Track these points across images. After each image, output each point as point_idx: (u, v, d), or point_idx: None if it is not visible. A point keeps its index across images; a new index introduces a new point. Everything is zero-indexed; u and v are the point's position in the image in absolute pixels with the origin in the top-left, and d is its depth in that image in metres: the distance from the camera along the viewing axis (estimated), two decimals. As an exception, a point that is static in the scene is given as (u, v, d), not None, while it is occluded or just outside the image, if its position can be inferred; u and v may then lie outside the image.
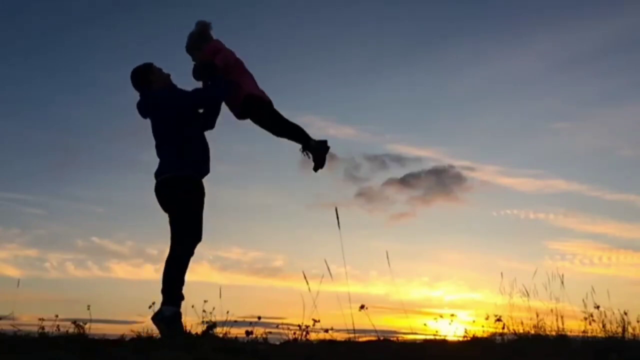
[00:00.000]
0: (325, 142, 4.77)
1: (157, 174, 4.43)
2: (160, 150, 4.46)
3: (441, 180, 14.08)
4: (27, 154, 15.49)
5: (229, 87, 4.57)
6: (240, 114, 4.74)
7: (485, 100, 15.40)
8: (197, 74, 4.61)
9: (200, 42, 4.70)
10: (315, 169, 4.76)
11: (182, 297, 4.20)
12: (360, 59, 15.05)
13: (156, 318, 4.12)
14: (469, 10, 14.21)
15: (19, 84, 15.07)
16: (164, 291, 4.18)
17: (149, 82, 4.50)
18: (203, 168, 4.46)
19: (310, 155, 4.75)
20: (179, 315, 4.15)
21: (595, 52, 13.99)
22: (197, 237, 4.31)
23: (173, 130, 4.39)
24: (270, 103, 4.74)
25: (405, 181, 13.71)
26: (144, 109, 4.53)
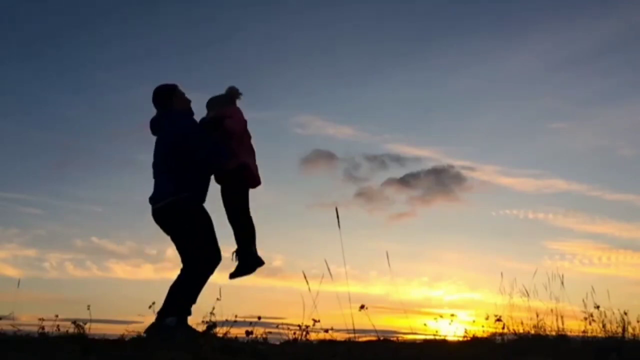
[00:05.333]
0: (262, 262, 4.55)
1: (153, 200, 4.35)
2: (157, 171, 4.42)
3: (441, 180, 14.09)
4: (27, 154, 15.50)
5: (226, 152, 4.43)
6: (221, 178, 4.59)
7: (484, 100, 15.42)
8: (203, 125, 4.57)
9: (223, 105, 4.69)
10: (233, 275, 4.52)
11: (189, 313, 4.20)
12: (359, 59, 15.06)
13: (156, 330, 4.05)
14: (468, 10, 14.22)
15: (19, 84, 15.08)
16: (170, 304, 4.12)
17: (169, 103, 4.50)
18: (199, 194, 4.38)
19: (237, 261, 4.52)
20: (183, 322, 4.13)
21: (595, 52, 14.02)
22: (214, 260, 4.27)
23: (175, 154, 4.31)
24: (258, 183, 4.63)
25: (405, 181, 13.74)
26: (155, 127, 4.53)
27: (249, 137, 4.71)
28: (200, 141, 4.33)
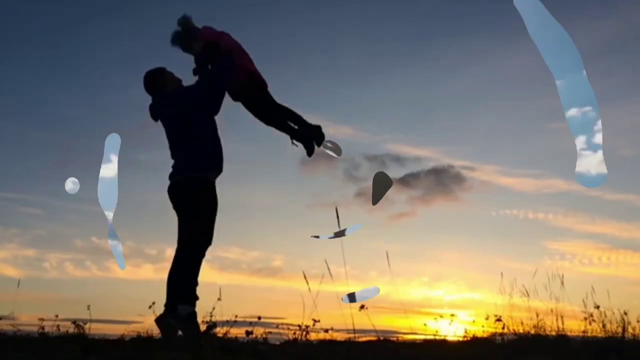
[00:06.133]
0: (319, 125, 4.87)
1: (171, 176, 4.41)
2: (173, 151, 4.46)
3: (441, 180, 14.06)
4: (27, 154, 15.46)
5: (235, 67, 4.57)
6: (236, 94, 4.76)
7: (484, 100, 15.36)
8: (200, 60, 4.64)
9: (191, 37, 4.69)
10: (310, 153, 4.80)
11: (197, 297, 4.19)
12: (359, 59, 15.01)
13: (168, 318, 4.04)
14: (468, 10, 14.20)
15: (19, 84, 15.06)
16: (175, 291, 4.12)
17: (161, 85, 4.54)
18: (216, 168, 4.44)
19: (299, 144, 4.81)
20: (195, 314, 4.13)
21: (595, 52, 13.96)
22: (207, 241, 4.28)
23: (185, 130, 4.36)
24: (266, 85, 4.81)
25: (405, 181, 13.69)
26: (156, 111, 4.54)
27: (238, 43, 4.74)
28: (210, 88, 4.44)
